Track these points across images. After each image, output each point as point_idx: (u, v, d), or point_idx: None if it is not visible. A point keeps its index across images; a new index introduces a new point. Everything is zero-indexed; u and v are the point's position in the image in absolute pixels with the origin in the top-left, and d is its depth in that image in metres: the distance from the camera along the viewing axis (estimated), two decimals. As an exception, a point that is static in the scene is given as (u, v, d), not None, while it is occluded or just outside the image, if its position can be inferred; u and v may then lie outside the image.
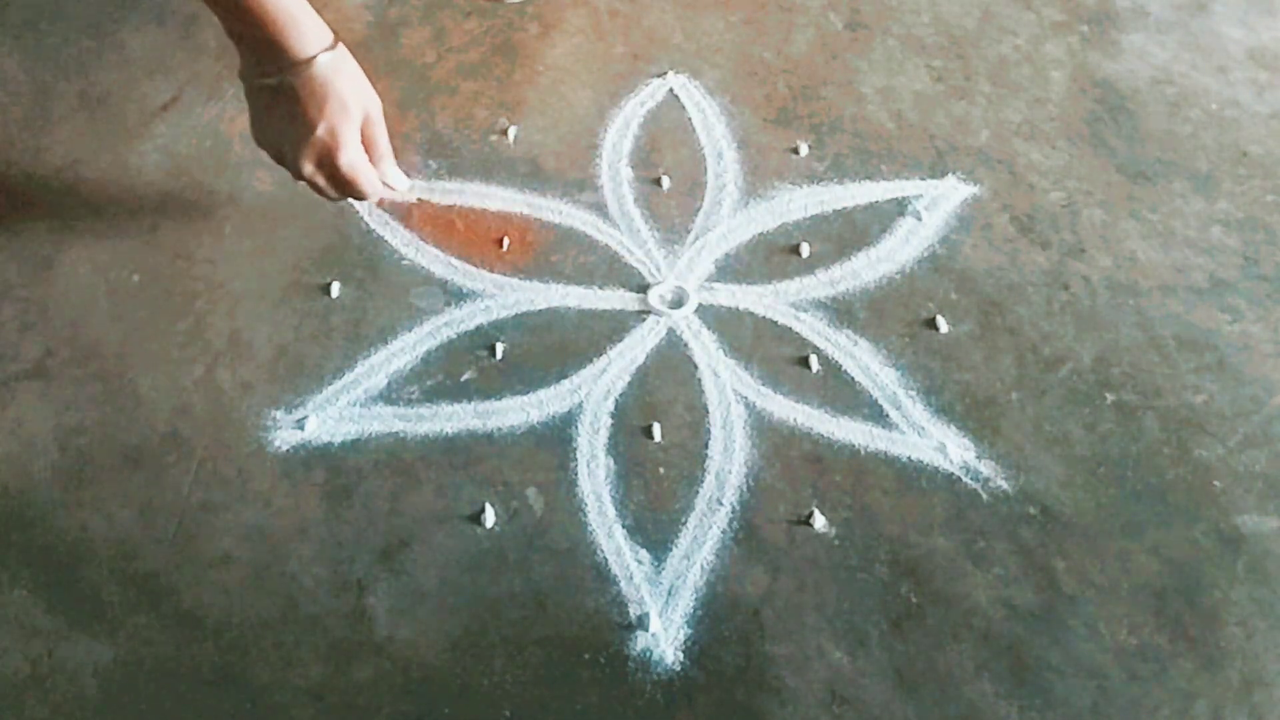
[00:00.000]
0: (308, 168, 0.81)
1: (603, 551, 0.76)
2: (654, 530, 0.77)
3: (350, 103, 0.79)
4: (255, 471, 0.80)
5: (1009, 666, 0.71)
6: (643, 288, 0.91)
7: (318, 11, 0.80)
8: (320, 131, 0.79)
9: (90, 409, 0.83)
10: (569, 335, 0.88)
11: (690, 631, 0.72)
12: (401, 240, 0.94)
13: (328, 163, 0.81)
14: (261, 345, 0.87)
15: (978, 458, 0.80)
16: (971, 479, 0.79)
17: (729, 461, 0.80)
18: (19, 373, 0.86)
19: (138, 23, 1.12)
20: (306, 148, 0.80)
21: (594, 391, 0.84)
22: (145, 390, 0.84)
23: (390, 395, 0.84)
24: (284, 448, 0.81)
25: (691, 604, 0.74)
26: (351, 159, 0.81)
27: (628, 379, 0.85)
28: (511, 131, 1.02)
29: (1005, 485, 0.79)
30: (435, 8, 1.14)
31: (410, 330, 0.88)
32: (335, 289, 0.90)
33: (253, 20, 0.75)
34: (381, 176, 0.87)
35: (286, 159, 0.82)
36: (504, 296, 0.90)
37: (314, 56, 0.77)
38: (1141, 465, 0.80)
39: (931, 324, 0.88)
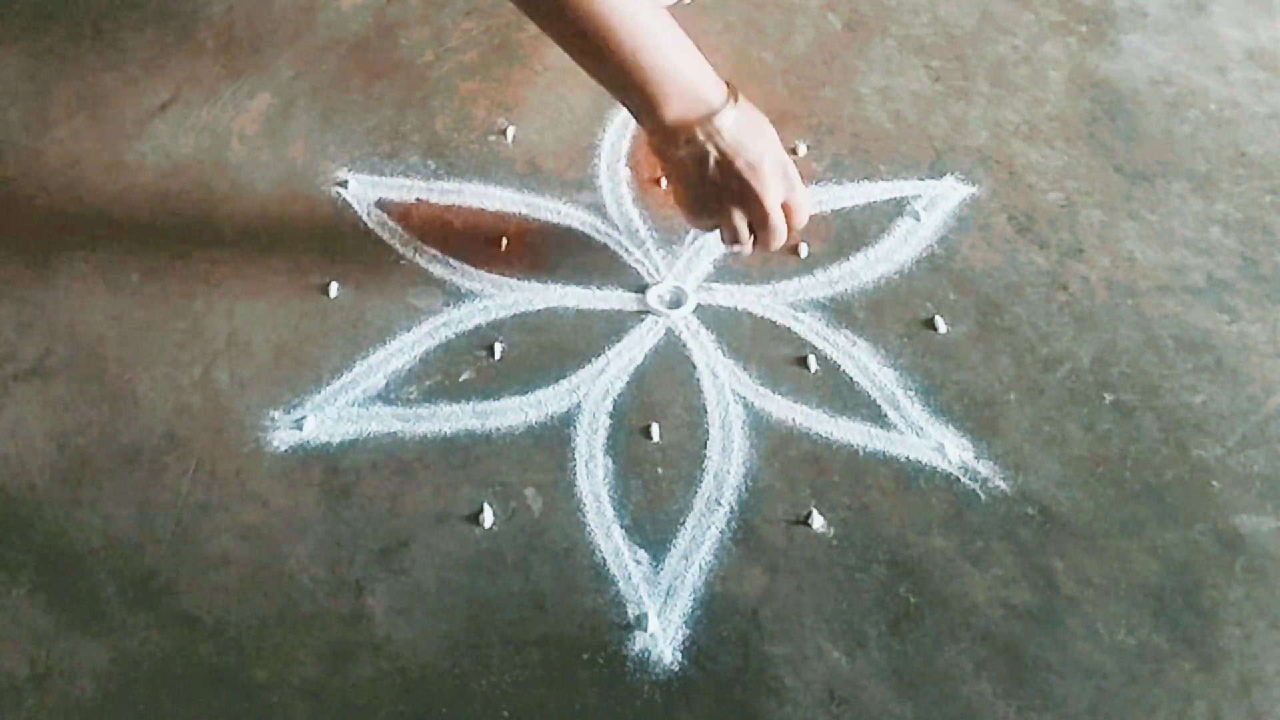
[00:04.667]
0: (774, 197, 0.78)
1: (601, 552, 0.76)
2: (652, 530, 0.77)
3: (769, 127, 0.79)
4: (253, 471, 0.80)
5: (1007, 666, 0.71)
6: (641, 288, 0.91)
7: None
8: (768, 162, 0.77)
9: (88, 409, 0.83)
10: (567, 335, 0.88)
11: (689, 631, 0.72)
12: (400, 240, 0.94)
13: (790, 185, 0.79)
14: (260, 345, 0.87)
15: (976, 458, 0.80)
16: (970, 479, 0.79)
17: (727, 461, 0.80)
18: (17, 372, 0.86)
19: (137, 23, 1.12)
20: (768, 183, 0.78)
21: (592, 392, 0.84)
22: (143, 390, 0.84)
23: (388, 395, 0.84)
24: (282, 448, 0.81)
25: (690, 604, 0.74)
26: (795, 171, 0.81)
27: (626, 379, 0.85)
28: (510, 132, 1.02)
29: (1003, 485, 0.79)
30: (434, 7, 1.14)
31: (408, 330, 0.88)
32: (334, 289, 0.90)
33: (657, 96, 0.75)
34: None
35: (738, 212, 0.79)
36: (502, 297, 0.90)
37: (724, 105, 0.76)
38: (1140, 465, 0.80)
39: (930, 324, 0.88)
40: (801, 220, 0.82)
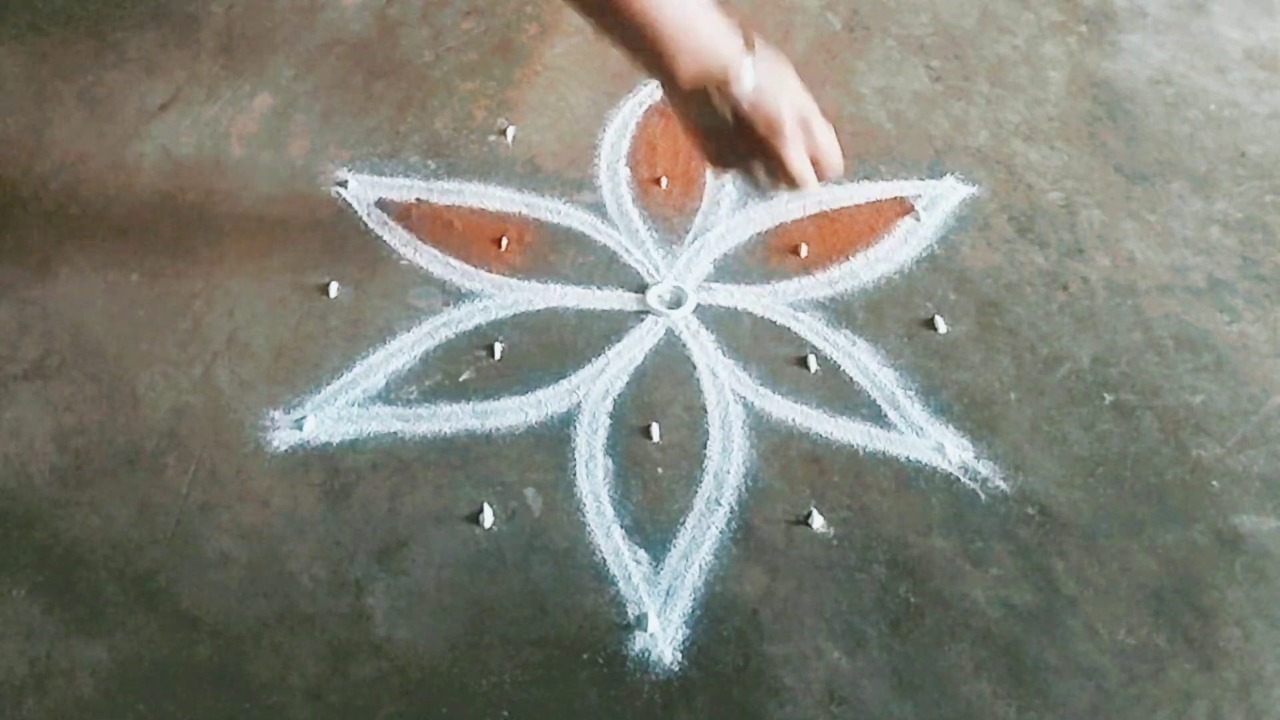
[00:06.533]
0: (795, 150, 0.74)
1: (601, 552, 0.76)
2: (652, 530, 0.77)
3: (787, 76, 0.75)
4: (253, 471, 0.80)
5: (1007, 666, 0.71)
6: (641, 288, 0.91)
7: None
8: (786, 116, 0.73)
9: (89, 409, 0.83)
10: (567, 335, 0.88)
11: (688, 631, 0.72)
12: (400, 240, 0.94)
13: (807, 126, 0.75)
14: (260, 345, 0.87)
15: (976, 458, 0.80)
16: (970, 479, 0.79)
17: (727, 461, 0.80)
18: (18, 373, 0.86)
19: (137, 23, 1.12)
20: (788, 137, 0.74)
21: (592, 392, 0.84)
22: (143, 390, 0.84)
23: (389, 395, 0.84)
24: (282, 448, 0.81)
25: (690, 604, 0.74)
26: (820, 113, 0.76)
27: (626, 379, 0.85)
28: (510, 131, 1.02)
29: (1003, 485, 0.79)
30: (434, 7, 1.14)
31: (409, 330, 0.88)
32: (334, 289, 0.90)
33: (675, 61, 0.71)
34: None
35: (766, 158, 0.76)
36: (502, 297, 0.90)
37: (738, 59, 0.71)
38: (1140, 465, 0.80)
39: (930, 324, 0.88)
40: (831, 164, 0.78)
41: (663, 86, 0.75)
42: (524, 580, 0.75)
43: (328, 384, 0.85)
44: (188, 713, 0.69)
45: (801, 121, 0.75)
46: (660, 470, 0.80)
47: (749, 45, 0.72)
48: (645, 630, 0.72)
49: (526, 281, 0.91)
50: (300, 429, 0.82)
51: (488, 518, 0.77)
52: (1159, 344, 0.87)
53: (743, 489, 0.79)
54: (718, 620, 0.73)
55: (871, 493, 0.79)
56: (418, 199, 0.97)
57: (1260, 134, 1.02)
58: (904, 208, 0.96)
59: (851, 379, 0.85)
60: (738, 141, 0.75)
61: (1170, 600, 0.73)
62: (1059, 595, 0.74)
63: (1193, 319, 0.88)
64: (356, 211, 0.96)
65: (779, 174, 0.77)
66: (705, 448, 0.81)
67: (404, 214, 0.96)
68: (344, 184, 0.98)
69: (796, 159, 0.75)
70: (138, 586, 0.74)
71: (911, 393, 0.84)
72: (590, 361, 0.86)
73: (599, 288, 0.91)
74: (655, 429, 0.82)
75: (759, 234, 0.94)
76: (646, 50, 0.71)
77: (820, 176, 0.78)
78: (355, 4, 1.14)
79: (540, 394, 0.84)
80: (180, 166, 0.99)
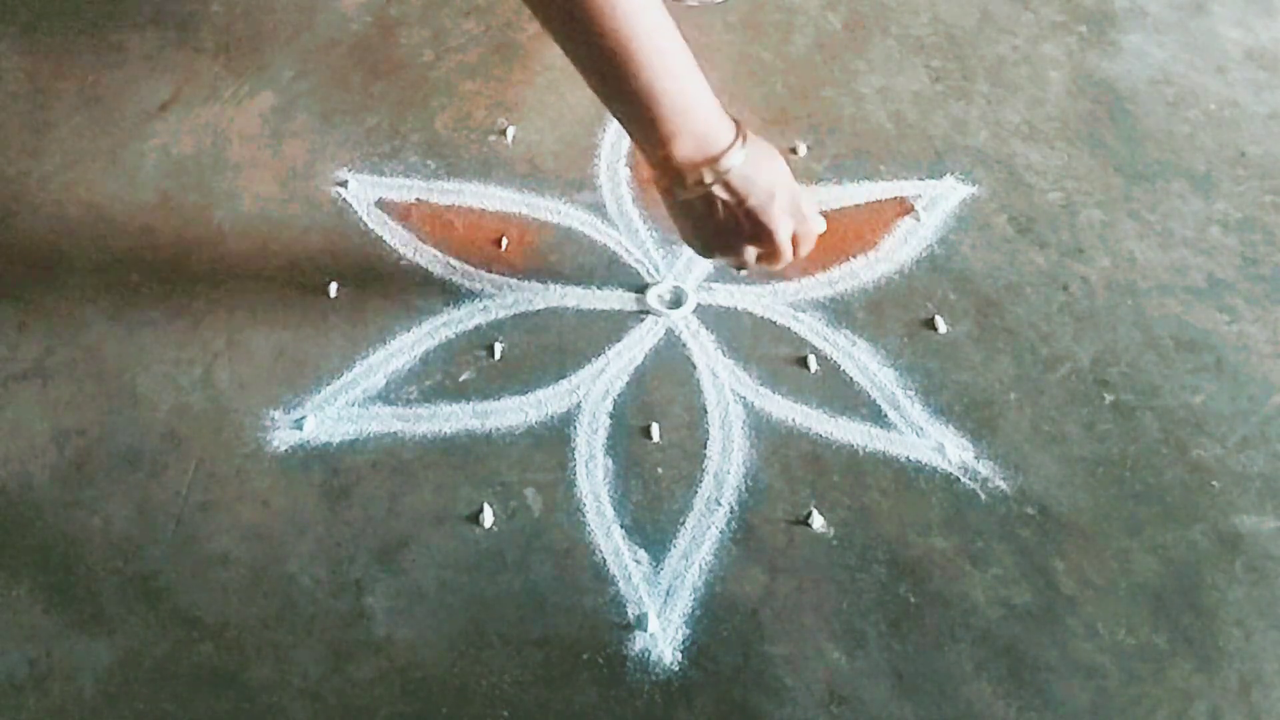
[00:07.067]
0: (784, 233, 0.75)
1: (601, 552, 0.76)
2: (652, 530, 0.77)
3: (777, 162, 0.75)
4: (253, 471, 0.80)
5: (1007, 666, 0.71)
6: (641, 288, 0.91)
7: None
8: (777, 201, 0.74)
9: (88, 409, 0.83)
10: (567, 335, 0.88)
11: (689, 631, 0.73)
12: (400, 240, 0.94)
13: (798, 212, 0.76)
14: (259, 345, 0.87)
15: (976, 458, 0.80)
16: (970, 479, 0.79)
17: (727, 461, 0.80)
18: (18, 373, 0.86)
19: (136, 23, 1.12)
20: (778, 221, 0.75)
21: (592, 392, 0.84)
22: (143, 390, 0.84)
23: (388, 395, 0.84)
24: (282, 448, 0.81)
25: (690, 604, 0.74)
26: (808, 201, 0.78)
27: (626, 379, 0.85)
28: (510, 132, 1.02)
29: (1003, 485, 0.79)
30: (434, 7, 1.14)
31: (408, 330, 0.88)
32: (333, 289, 0.90)
33: (660, 133, 0.70)
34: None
35: (754, 235, 0.76)
36: (502, 297, 0.90)
37: (732, 144, 0.71)
38: (1140, 465, 0.80)
39: (930, 324, 0.88)
40: (808, 249, 0.79)
41: (651, 164, 0.74)
42: (524, 580, 0.75)
43: (328, 384, 0.85)
44: (188, 713, 0.69)
45: (791, 203, 0.75)
46: (660, 470, 0.80)
47: (742, 133, 0.72)
48: (645, 630, 0.72)
49: (526, 281, 0.91)
50: (300, 429, 0.82)
51: (488, 518, 0.77)
52: (1159, 344, 0.87)
53: (743, 489, 0.79)
54: (718, 620, 0.73)
55: (871, 493, 0.79)
56: (418, 199, 0.97)
57: (1260, 134, 1.02)
58: (904, 207, 0.96)
59: (851, 379, 0.85)
60: (725, 226, 0.75)
61: (1170, 600, 0.73)
62: (1059, 595, 0.74)
63: (1193, 319, 0.88)
64: (356, 211, 0.96)
65: (765, 252, 0.77)
66: (705, 448, 0.81)
67: (404, 214, 0.96)
68: (344, 184, 0.98)
69: (783, 230, 0.75)
70: (138, 586, 0.74)
71: (911, 393, 0.84)
72: (590, 361, 0.86)
73: (599, 288, 0.91)
74: (655, 429, 0.82)
75: (759, 234, 0.94)
76: (646, 126, 0.70)
77: (795, 255, 0.78)
78: (355, 4, 1.14)
79: (540, 394, 0.84)
80: (179, 166, 1.00)
